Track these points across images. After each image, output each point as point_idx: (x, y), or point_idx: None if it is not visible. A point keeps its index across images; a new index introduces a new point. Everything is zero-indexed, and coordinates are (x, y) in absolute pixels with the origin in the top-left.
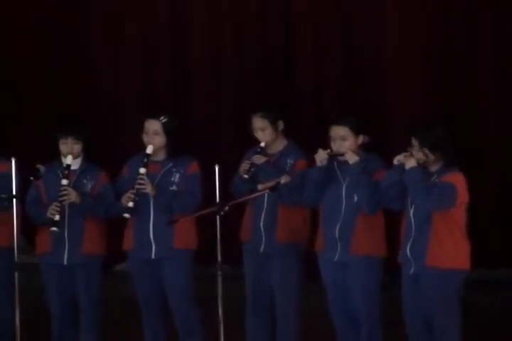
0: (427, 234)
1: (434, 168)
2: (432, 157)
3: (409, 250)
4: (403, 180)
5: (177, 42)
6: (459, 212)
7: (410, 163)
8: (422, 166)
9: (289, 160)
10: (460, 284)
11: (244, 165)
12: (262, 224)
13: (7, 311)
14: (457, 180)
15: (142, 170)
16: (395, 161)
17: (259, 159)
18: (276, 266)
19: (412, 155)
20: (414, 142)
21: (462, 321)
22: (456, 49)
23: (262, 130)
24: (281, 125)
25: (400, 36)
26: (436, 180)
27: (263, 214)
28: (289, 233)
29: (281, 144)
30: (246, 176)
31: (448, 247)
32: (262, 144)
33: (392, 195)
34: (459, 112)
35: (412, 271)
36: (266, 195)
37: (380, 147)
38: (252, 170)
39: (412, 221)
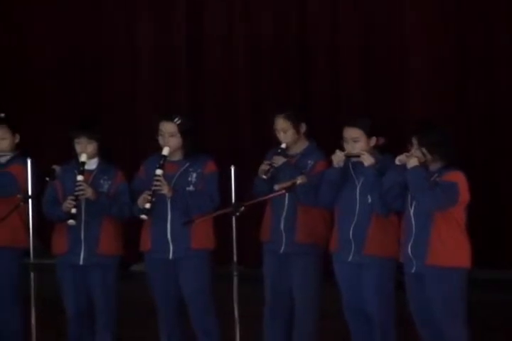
0: (428, 232)
1: (433, 168)
2: (429, 157)
3: (411, 249)
4: (404, 180)
5: (192, 43)
6: (460, 211)
7: (412, 163)
8: (423, 166)
9: (309, 161)
10: (463, 282)
11: (264, 166)
12: (282, 224)
13: (15, 311)
14: (458, 178)
15: (159, 172)
16: (397, 161)
17: (278, 160)
18: (295, 267)
19: (412, 154)
20: (414, 141)
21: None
22: (474, 51)
23: (284, 131)
24: (303, 127)
25: (418, 37)
26: (438, 179)
27: (283, 215)
28: (308, 234)
29: (302, 145)
30: (265, 177)
31: (449, 246)
32: (283, 145)
33: (393, 195)
34: (478, 112)
35: (413, 270)
36: (286, 195)
37: (394, 147)
38: (272, 171)
39: (413, 220)
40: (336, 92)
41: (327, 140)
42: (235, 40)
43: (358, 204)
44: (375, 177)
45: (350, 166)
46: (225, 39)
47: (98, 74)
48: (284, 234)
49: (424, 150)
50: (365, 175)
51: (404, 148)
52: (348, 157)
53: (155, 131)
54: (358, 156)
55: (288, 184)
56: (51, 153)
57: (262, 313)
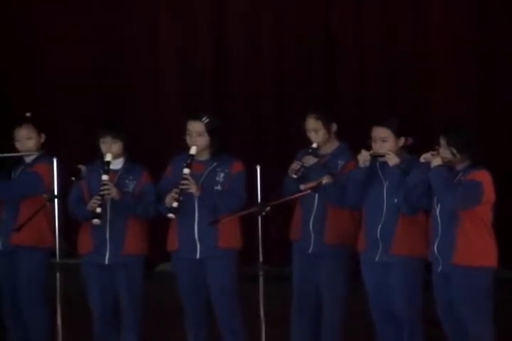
0: (454, 232)
1: (459, 167)
2: (458, 156)
3: (437, 248)
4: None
5: (216, 43)
6: (485, 210)
7: (436, 162)
8: (448, 165)
9: (340, 162)
10: (489, 282)
11: (295, 166)
12: (311, 224)
13: (41, 311)
14: (483, 178)
15: (186, 171)
16: (422, 159)
17: (309, 160)
18: (324, 266)
19: (438, 154)
20: (442, 141)
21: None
22: (499, 50)
23: (315, 131)
24: (334, 127)
25: (444, 37)
26: (462, 178)
27: (313, 215)
28: (337, 234)
29: (333, 146)
30: (295, 176)
31: (475, 245)
32: (314, 145)
33: (419, 193)
34: (501, 111)
35: (439, 269)
36: (316, 196)
37: (422, 147)
38: (302, 170)
39: (439, 219)
40: (360, 92)
41: (351, 140)
42: (258, 40)
43: (385, 205)
44: (400, 177)
45: (378, 166)
46: (249, 39)
47: (122, 74)
48: (312, 235)
49: (453, 150)
50: (390, 175)
51: (428, 147)
52: (374, 157)
53: (181, 129)
54: (383, 156)
55: (313, 184)
56: (76, 153)
57: (288, 313)
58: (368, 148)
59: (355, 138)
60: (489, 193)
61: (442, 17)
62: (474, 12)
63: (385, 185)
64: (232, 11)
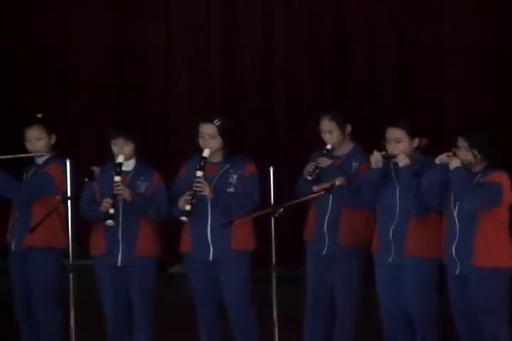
0: (473, 233)
1: (477, 168)
2: (479, 157)
3: (455, 250)
4: (443, 179)
5: (227, 44)
6: (504, 211)
7: (455, 163)
8: (467, 167)
9: (354, 163)
10: (506, 283)
11: (309, 167)
12: (325, 226)
13: (55, 312)
14: (502, 179)
15: (199, 173)
16: (437, 161)
17: (324, 161)
18: (338, 268)
19: (455, 155)
20: (462, 143)
21: None
22: (506, 52)
23: (330, 132)
24: (348, 128)
25: (456, 37)
26: (481, 180)
27: (327, 217)
28: (351, 236)
29: (347, 147)
30: (310, 178)
31: (494, 246)
32: (329, 146)
33: (432, 194)
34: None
35: (457, 272)
36: (330, 197)
37: (436, 148)
38: (317, 172)
39: (456, 221)
40: (373, 92)
41: (363, 141)
42: (270, 41)
43: (398, 206)
44: (410, 178)
45: (392, 167)
46: (260, 40)
47: (134, 76)
48: (327, 236)
49: (475, 151)
50: (401, 175)
51: (441, 148)
52: (385, 157)
53: (193, 131)
54: (395, 157)
55: (327, 185)
56: (87, 154)
57: (301, 314)
58: (382, 149)
59: (367, 140)
60: (508, 194)
61: (455, 17)
62: (486, 13)
63: (398, 186)
64: (243, 11)
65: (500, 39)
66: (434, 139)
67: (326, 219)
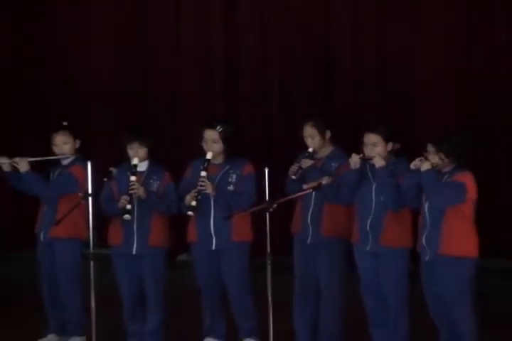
0: (440, 225)
1: (446, 169)
2: (446, 161)
3: (425, 240)
4: (419, 182)
5: (229, 54)
6: (468, 207)
7: (425, 166)
8: (436, 169)
9: (333, 164)
10: (471, 271)
11: (293, 168)
12: (309, 219)
13: (75, 294)
14: (466, 179)
15: (203, 174)
16: (412, 166)
17: (306, 163)
18: (322, 257)
19: (426, 159)
20: (431, 148)
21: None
22: (480, 67)
23: (312, 137)
24: (328, 134)
25: (428, 43)
26: (448, 180)
27: (310, 210)
28: (333, 227)
29: (327, 150)
30: (294, 177)
31: (458, 237)
32: (310, 150)
33: (412, 195)
34: (483, 124)
35: (427, 258)
36: (313, 193)
37: (407, 152)
38: (300, 172)
39: (427, 215)
40: (355, 103)
41: (348, 144)
42: (267, 51)
43: (373, 202)
44: (386, 177)
45: (368, 168)
46: (258, 50)
47: (143, 84)
48: (310, 227)
49: (442, 155)
50: (377, 175)
51: (415, 152)
52: (363, 159)
53: (197, 134)
54: (371, 159)
55: (314, 184)
56: (106, 157)
57: (292, 298)
58: (360, 152)
59: (351, 144)
60: (472, 192)
61: (430, 30)
62: (463, 24)
63: (374, 184)
64: (243, 11)
65: (475, 56)
66: (408, 145)
67: (310, 213)
